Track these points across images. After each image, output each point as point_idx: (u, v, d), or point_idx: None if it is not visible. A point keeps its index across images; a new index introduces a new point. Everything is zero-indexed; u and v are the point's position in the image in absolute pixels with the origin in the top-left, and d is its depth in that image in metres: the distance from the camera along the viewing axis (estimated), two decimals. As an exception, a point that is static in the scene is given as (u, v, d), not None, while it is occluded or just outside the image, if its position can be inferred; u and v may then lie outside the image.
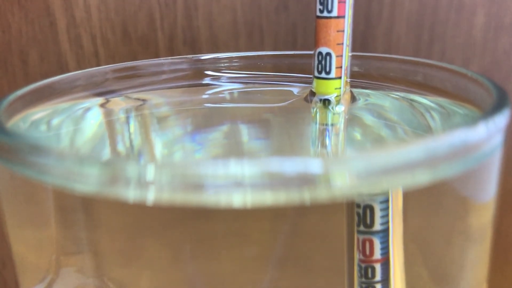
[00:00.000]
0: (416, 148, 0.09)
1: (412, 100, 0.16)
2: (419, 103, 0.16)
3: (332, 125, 0.16)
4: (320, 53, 0.15)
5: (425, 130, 0.15)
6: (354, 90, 0.16)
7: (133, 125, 0.16)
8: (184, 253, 0.12)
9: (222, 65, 0.18)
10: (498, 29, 0.21)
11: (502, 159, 0.12)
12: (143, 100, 0.17)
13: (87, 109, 0.16)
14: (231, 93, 0.18)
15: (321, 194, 0.09)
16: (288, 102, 0.17)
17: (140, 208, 0.10)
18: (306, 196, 0.09)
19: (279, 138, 0.16)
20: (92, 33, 0.22)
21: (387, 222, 0.12)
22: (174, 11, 0.22)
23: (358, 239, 0.12)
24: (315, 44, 0.15)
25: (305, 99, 0.16)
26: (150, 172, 0.09)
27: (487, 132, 0.10)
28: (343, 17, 0.14)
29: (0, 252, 0.25)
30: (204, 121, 0.17)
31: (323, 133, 0.16)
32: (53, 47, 0.22)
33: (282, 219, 0.11)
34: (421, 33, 0.21)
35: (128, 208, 0.10)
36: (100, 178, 0.09)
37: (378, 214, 0.12)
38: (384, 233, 0.12)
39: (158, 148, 0.16)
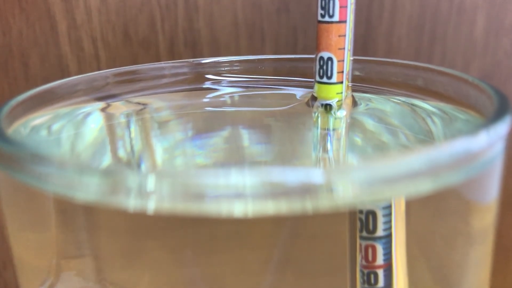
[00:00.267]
0: (418, 158, 0.09)
1: (413, 104, 0.16)
2: (421, 108, 0.16)
3: (333, 130, 0.16)
4: (321, 57, 0.15)
5: (427, 135, 0.15)
6: (356, 94, 0.16)
7: (134, 130, 0.16)
8: (185, 257, 0.12)
9: (223, 69, 0.18)
10: (499, 31, 0.21)
11: (504, 161, 0.12)
12: (144, 104, 0.17)
13: (88, 114, 0.16)
14: (232, 97, 0.18)
15: (323, 204, 0.09)
16: (289, 106, 0.17)
17: (141, 212, 0.10)
18: (308, 205, 0.09)
19: (280, 143, 0.16)
20: (92, 36, 0.22)
21: (390, 228, 0.12)
22: (175, 13, 0.21)
23: (360, 245, 0.12)
24: (317, 48, 0.15)
25: (307, 104, 0.16)
26: (151, 182, 0.09)
27: (488, 140, 0.10)
28: (345, 22, 0.14)
29: (0, 254, 0.25)
30: (205, 125, 0.17)
31: (324, 138, 0.16)
32: (54, 49, 0.22)
33: (284, 223, 0.11)
34: (421, 35, 0.21)
35: (129, 214, 0.10)
36: (100, 187, 0.09)
37: (380, 220, 0.12)
38: (387, 239, 0.12)
39: (159, 153, 0.16)
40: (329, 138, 0.16)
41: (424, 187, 0.10)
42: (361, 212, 0.12)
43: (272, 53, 0.22)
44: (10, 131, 0.13)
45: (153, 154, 0.16)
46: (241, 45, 0.22)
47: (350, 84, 0.15)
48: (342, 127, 0.16)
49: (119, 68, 0.17)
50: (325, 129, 0.16)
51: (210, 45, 0.22)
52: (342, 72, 0.15)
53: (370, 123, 0.16)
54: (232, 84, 0.18)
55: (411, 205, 0.12)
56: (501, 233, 0.24)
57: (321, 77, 0.15)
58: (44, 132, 0.15)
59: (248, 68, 0.18)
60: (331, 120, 0.15)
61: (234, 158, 0.16)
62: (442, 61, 0.22)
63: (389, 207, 0.12)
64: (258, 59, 0.18)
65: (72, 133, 0.15)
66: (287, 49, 0.22)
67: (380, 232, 0.12)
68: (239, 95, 0.18)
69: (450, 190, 0.11)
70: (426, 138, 0.15)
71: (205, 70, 0.18)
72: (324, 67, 0.15)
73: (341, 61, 0.14)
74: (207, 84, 0.18)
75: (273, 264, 0.12)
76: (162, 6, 0.21)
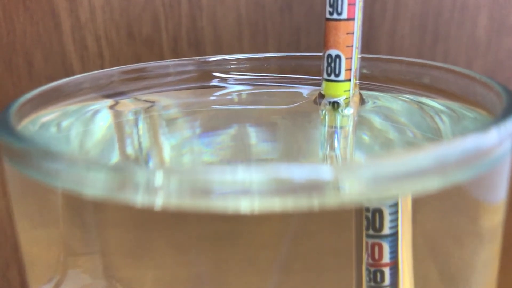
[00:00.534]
0: (428, 155, 0.09)
1: (421, 102, 0.16)
2: (428, 105, 0.16)
3: (341, 127, 0.16)
4: (329, 55, 0.14)
5: (435, 133, 0.15)
6: (363, 92, 0.16)
7: (142, 127, 0.16)
8: (192, 254, 0.12)
9: (230, 66, 0.18)
10: (502, 29, 0.21)
11: None
12: (152, 102, 0.17)
13: (97, 111, 0.16)
14: (239, 95, 0.18)
15: (330, 201, 0.09)
16: (296, 104, 0.17)
17: (148, 209, 0.10)
18: (314, 202, 0.09)
19: (287, 141, 0.16)
20: (96, 35, 0.22)
21: (396, 226, 0.12)
22: (179, 12, 0.22)
23: (367, 243, 0.12)
24: (324, 46, 0.15)
25: (314, 102, 0.16)
26: (159, 178, 0.09)
27: (499, 137, 0.10)
28: (353, 19, 0.14)
29: (3, 254, 0.26)
30: (212, 123, 0.17)
31: (331, 135, 0.16)
32: (58, 48, 0.22)
33: (290, 220, 0.11)
34: (424, 33, 0.21)
35: (137, 209, 0.10)
36: (109, 183, 0.09)
37: (387, 218, 0.12)
38: (393, 237, 0.12)
39: (167, 150, 0.16)
40: (336, 136, 0.16)
41: (433, 184, 0.10)
42: (367, 210, 0.12)
43: (275, 52, 0.22)
44: (20, 127, 0.13)
45: (161, 151, 0.16)
46: (244, 44, 0.22)
47: (357, 82, 0.15)
48: (350, 125, 0.16)
49: (127, 65, 0.17)
50: (332, 127, 0.16)
51: (213, 44, 0.22)
52: (350, 69, 0.15)
53: (378, 121, 0.16)
54: (239, 82, 0.18)
55: (420, 204, 0.11)
56: (504, 231, 0.23)
57: (329, 75, 0.15)
58: (53, 129, 0.15)
59: (255, 66, 0.18)
60: (339, 118, 0.15)
61: (241, 156, 0.16)
62: (445, 60, 0.22)
63: (395, 205, 0.12)
64: (265, 57, 0.18)
65: (80, 130, 0.15)
66: (290, 49, 0.22)
67: (386, 230, 0.12)
68: (246, 93, 0.18)
69: (459, 188, 0.11)
70: (434, 136, 0.15)
71: (212, 68, 0.18)
72: (332, 65, 0.15)
73: (349, 58, 0.14)
74: (214, 82, 0.18)
75: (279, 261, 0.12)
76: (166, 5, 0.21)
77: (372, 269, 0.12)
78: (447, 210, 0.12)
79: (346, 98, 0.15)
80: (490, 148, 0.10)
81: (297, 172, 0.09)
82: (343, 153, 0.15)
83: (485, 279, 0.13)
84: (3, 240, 0.25)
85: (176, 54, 0.22)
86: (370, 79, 0.17)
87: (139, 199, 0.09)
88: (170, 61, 0.18)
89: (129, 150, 0.16)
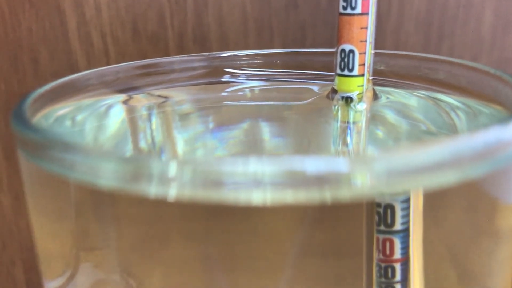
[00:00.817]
0: (443, 148, 0.09)
1: (436, 98, 0.16)
2: (444, 101, 0.15)
3: (354, 123, 0.16)
4: (343, 50, 0.14)
5: (451, 129, 0.15)
6: (376, 88, 0.16)
7: (155, 122, 0.17)
8: (205, 250, 0.12)
9: (242, 62, 0.18)
10: (506, 26, 0.21)
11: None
12: (165, 97, 0.17)
13: (110, 106, 0.16)
14: (251, 91, 0.18)
15: (343, 194, 0.09)
16: (309, 100, 0.17)
17: (161, 204, 0.10)
18: (327, 195, 0.09)
19: (300, 136, 0.16)
20: (102, 31, 0.22)
21: (408, 222, 0.12)
22: (184, 9, 0.22)
23: (378, 239, 0.12)
24: (338, 41, 0.14)
25: (327, 97, 0.16)
26: (172, 169, 0.09)
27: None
28: (367, 14, 0.14)
29: (9, 252, 0.26)
30: (225, 118, 0.17)
31: (344, 131, 0.16)
32: (64, 45, 0.22)
33: (302, 215, 0.11)
34: (429, 30, 0.21)
35: (150, 205, 0.10)
36: (123, 174, 0.09)
37: (399, 213, 0.12)
38: (405, 233, 0.12)
39: (180, 145, 0.16)
40: (349, 131, 0.15)
41: (449, 179, 0.09)
42: (379, 205, 0.12)
43: (280, 48, 0.22)
44: (34, 120, 0.13)
45: (174, 146, 0.16)
46: (249, 41, 0.22)
47: (370, 77, 0.15)
48: (363, 120, 0.16)
49: (141, 61, 0.17)
50: (345, 122, 0.16)
51: (219, 40, 0.22)
52: (364, 64, 0.14)
53: (391, 117, 0.16)
54: (251, 77, 0.18)
55: (436, 201, 0.11)
56: None
57: (342, 70, 0.15)
58: (68, 123, 0.15)
59: (268, 61, 0.18)
60: (352, 113, 0.15)
61: (254, 151, 0.16)
62: (450, 56, 0.22)
63: (407, 200, 0.12)
64: (277, 53, 0.18)
65: (95, 124, 0.16)
66: (296, 45, 0.22)
67: (398, 226, 0.12)
68: (259, 89, 0.18)
69: (475, 185, 0.11)
70: (450, 132, 0.15)
71: (224, 63, 0.18)
72: (346, 60, 0.14)
73: (362, 53, 0.14)
74: (226, 78, 0.18)
75: (290, 257, 0.12)
76: (172, 2, 0.21)
77: (383, 264, 0.12)
78: (463, 208, 0.11)
79: (359, 93, 0.15)
80: (508, 142, 0.10)
81: (309, 164, 0.09)
82: (356, 148, 0.15)
83: (500, 279, 0.13)
84: (9, 239, 0.26)
85: (181, 50, 0.22)
86: (383, 75, 0.16)
87: (153, 190, 0.09)
88: (182, 56, 0.18)
89: (143, 144, 0.16)
